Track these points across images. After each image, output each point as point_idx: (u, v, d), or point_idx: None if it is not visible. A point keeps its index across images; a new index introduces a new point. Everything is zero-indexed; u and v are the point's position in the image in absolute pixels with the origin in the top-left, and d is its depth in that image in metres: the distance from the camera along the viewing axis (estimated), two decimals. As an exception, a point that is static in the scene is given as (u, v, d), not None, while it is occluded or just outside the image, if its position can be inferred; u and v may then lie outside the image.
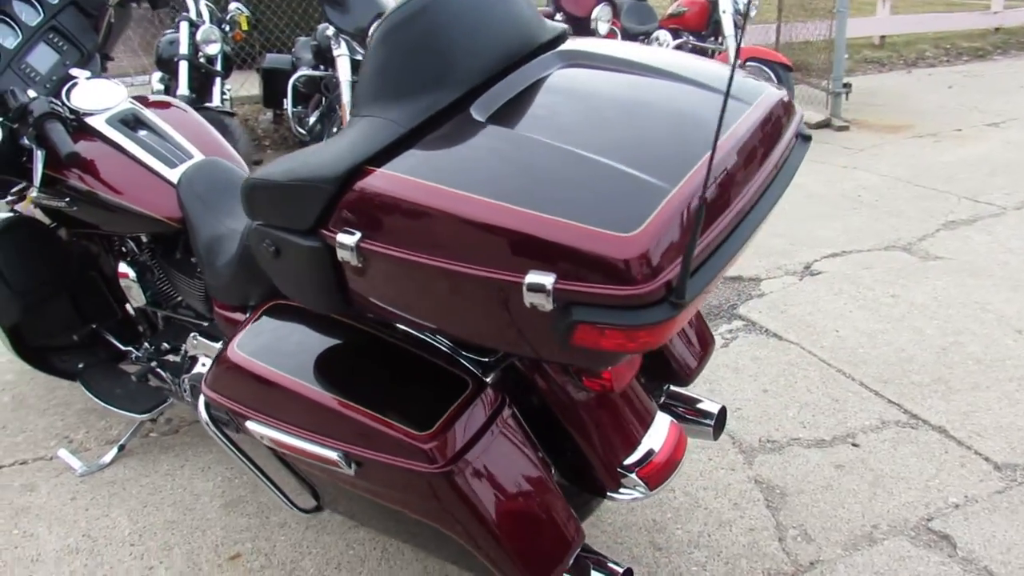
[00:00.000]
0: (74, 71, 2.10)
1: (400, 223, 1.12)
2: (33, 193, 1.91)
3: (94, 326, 2.31)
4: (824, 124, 5.71)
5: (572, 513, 1.41)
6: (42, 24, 2.09)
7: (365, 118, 1.21)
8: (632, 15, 5.95)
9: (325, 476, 1.46)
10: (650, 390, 1.79)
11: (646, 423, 1.57)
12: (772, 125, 1.25)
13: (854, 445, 2.20)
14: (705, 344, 1.81)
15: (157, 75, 4.41)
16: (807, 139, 1.35)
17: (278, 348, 1.46)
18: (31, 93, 1.90)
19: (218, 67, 4.32)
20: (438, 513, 1.33)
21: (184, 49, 4.13)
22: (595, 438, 1.51)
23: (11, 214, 2.18)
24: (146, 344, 2.23)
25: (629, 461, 1.52)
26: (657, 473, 1.51)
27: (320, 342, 1.44)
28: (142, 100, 2.16)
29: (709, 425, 1.74)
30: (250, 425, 1.45)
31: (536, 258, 1.03)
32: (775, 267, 3.38)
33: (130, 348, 2.28)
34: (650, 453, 1.54)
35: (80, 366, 2.31)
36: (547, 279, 1.01)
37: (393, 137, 1.16)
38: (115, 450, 2.26)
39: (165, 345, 2.16)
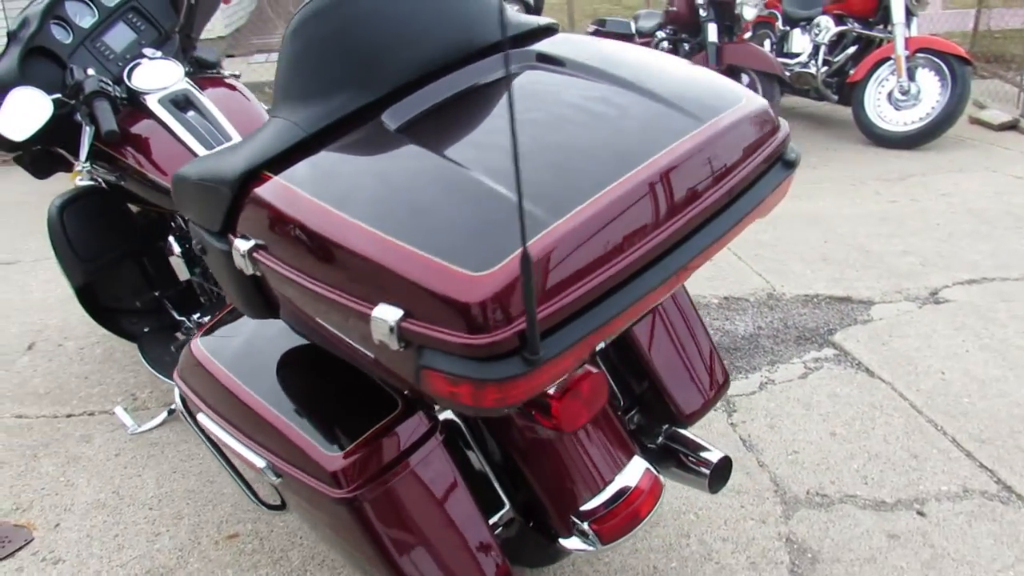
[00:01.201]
0: (147, 51, 2.20)
1: (283, 236, 1.04)
2: (78, 166, 2.01)
3: (157, 293, 2.43)
4: (1010, 126, 4.99)
5: (499, 560, 1.29)
6: (120, 5, 2.20)
7: (273, 119, 1.14)
8: (795, -1, 5.49)
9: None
10: (648, 428, 1.63)
11: (616, 466, 1.41)
12: (728, 148, 1.05)
13: (920, 513, 1.89)
14: (714, 383, 1.60)
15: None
16: (789, 164, 1.13)
17: (231, 348, 1.44)
18: (90, 71, 2.00)
19: None
20: (347, 538, 1.27)
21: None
22: (549, 478, 1.38)
23: (89, 183, 2.32)
24: (196, 316, 2.32)
25: (586, 508, 1.37)
26: (611, 528, 1.36)
27: (269, 347, 1.41)
28: (205, 80, 2.23)
29: (704, 476, 1.54)
30: (200, 418, 1.45)
31: (388, 291, 0.92)
32: (895, 290, 2.98)
33: (183, 319, 2.39)
34: (610, 503, 1.37)
35: (144, 330, 2.45)
36: (393, 315, 0.90)
37: (291, 142, 1.08)
38: (164, 413, 2.38)
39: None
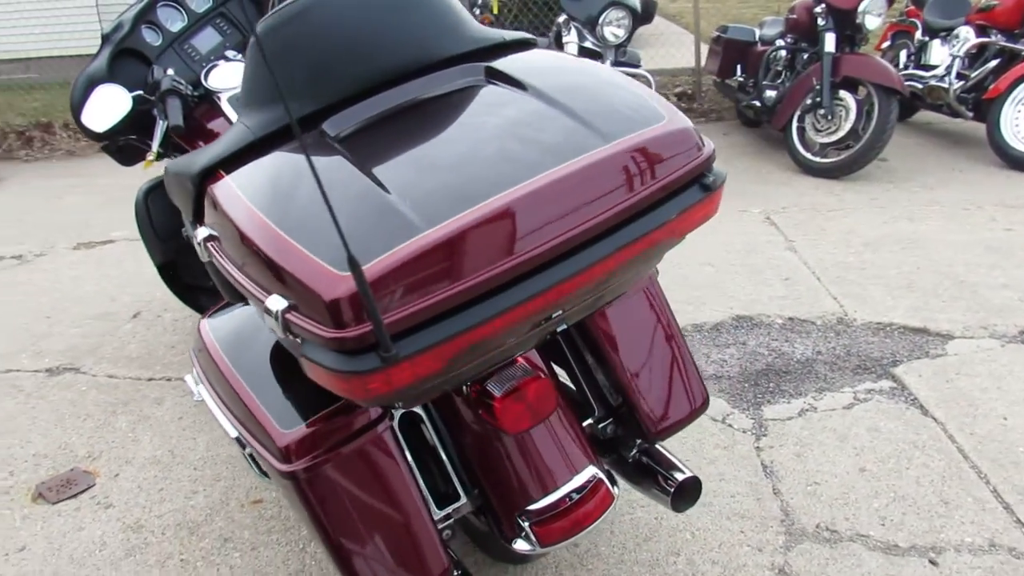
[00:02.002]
0: (229, 53, 2.41)
1: (221, 228, 1.16)
2: (149, 156, 2.24)
3: (229, 275, 2.66)
4: None
5: (439, 552, 1.35)
6: (209, 11, 2.43)
7: (236, 123, 1.26)
8: (937, 7, 5.16)
9: None
10: (624, 440, 1.64)
11: (567, 473, 1.43)
12: (629, 167, 1.06)
13: (932, 563, 1.77)
14: (687, 403, 1.59)
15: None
16: (706, 188, 1.12)
17: (227, 329, 1.58)
18: (169, 71, 2.23)
19: None
20: (296, 510, 1.37)
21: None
22: (498, 476, 1.43)
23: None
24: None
25: (530, 509, 1.41)
26: (551, 531, 1.39)
27: (256, 330, 1.53)
28: None
29: (667, 494, 1.53)
30: (201, 390, 1.60)
31: (279, 283, 1.01)
32: (980, 325, 2.77)
33: (249, 299, 2.59)
34: (553, 507, 1.40)
35: None
36: (279, 305, 0.99)
37: (242, 144, 1.20)
38: (226, 385, 2.60)
39: None
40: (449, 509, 1.47)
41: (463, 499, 1.48)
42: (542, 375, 1.33)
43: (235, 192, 1.13)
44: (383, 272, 0.93)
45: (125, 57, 2.25)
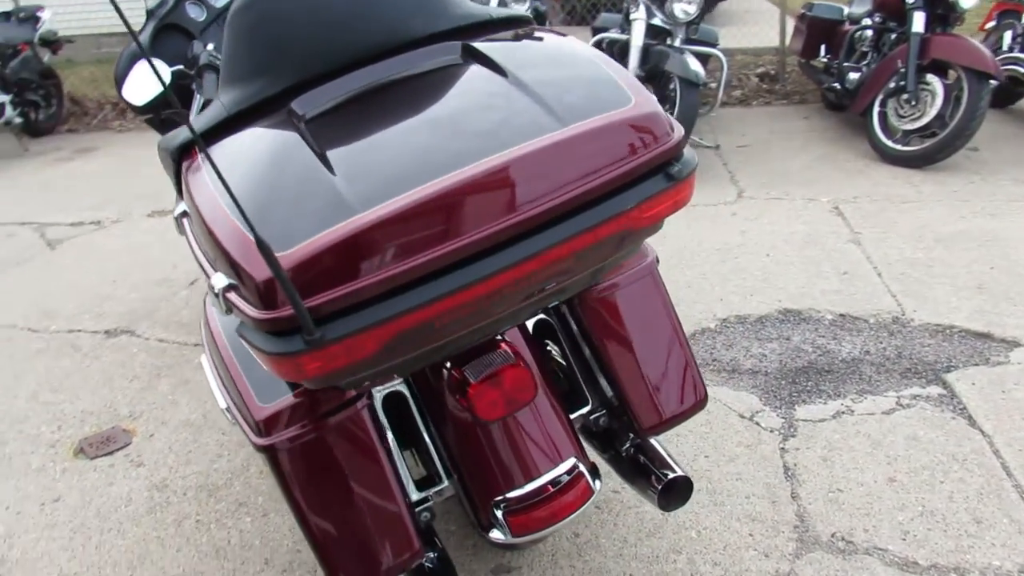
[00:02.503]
0: None
1: (188, 207, 1.17)
2: (186, 130, 2.30)
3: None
4: None
5: (409, 534, 1.35)
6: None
7: (215, 100, 1.27)
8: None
9: None
10: (619, 433, 1.59)
11: (547, 463, 1.40)
12: (583, 153, 1.01)
13: (952, 584, 1.66)
14: (682, 400, 1.52)
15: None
16: (671, 178, 1.06)
17: None
18: (209, 47, 2.28)
19: None
20: (273, 482, 1.39)
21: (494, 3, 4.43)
22: (474, 463, 1.41)
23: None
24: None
25: (506, 497, 1.38)
26: (523, 522, 1.36)
27: None
28: None
29: (654, 492, 1.48)
30: (202, 359, 1.65)
31: (223, 261, 1.02)
32: (1053, 332, 2.56)
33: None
34: (528, 498, 1.38)
35: None
36: (220, 283, 1.00)
37: (215, 120, 1.21)
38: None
39: None
40: (429, 492, 1.46)
41: (444, 483, 1.47)
42: (522, 363, 1.30)
43: (199, 169, 1.14)
44: (312, 254, 0.93)
45: (170, 32, 2.32)
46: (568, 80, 1.11)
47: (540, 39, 1.28)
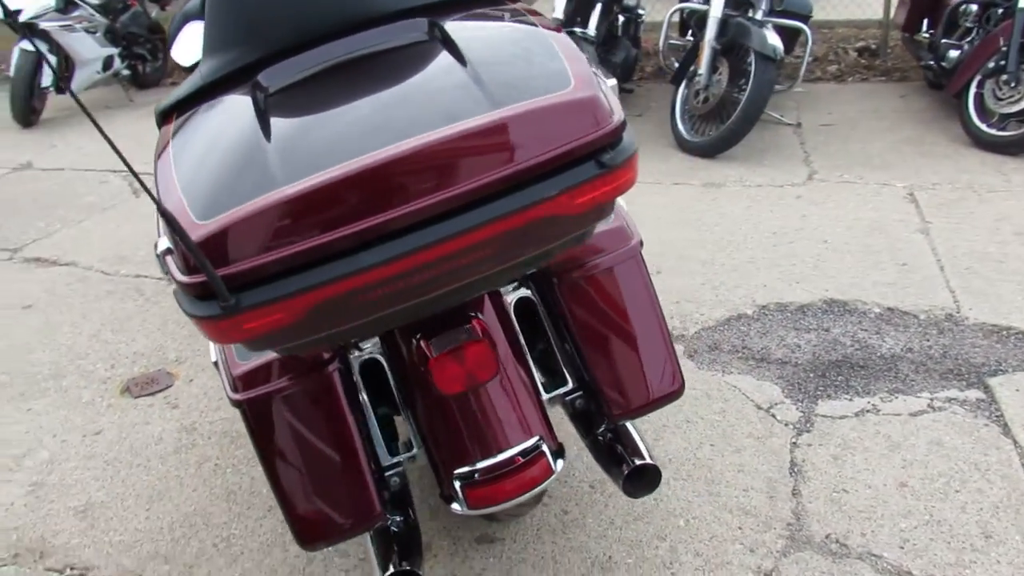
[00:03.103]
0: None
1: (152, 168, 1.23)
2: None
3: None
4: None
5: (371, 496, 1.39)
6: None
7: (197, 69, 1.31)
8: None
9: None
10: (596, 415, 1.58)
11: (508, 439, 1.41)
12: (510, 136, 1.00)
13: (942, 599, 1.58)
14: (657, 388, 1.50)
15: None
16: (603, 166, 1.03)
17: None
18: None
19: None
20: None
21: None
22: (437, 436, 1.43)
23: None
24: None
25: (463, 470, 1.41)
26: (478, 495, 1.39)
27: None
28: None
29: (620, 478, 1.48)
30: None
31: (164, 226, 1.07)
32: (1123, 342, 2.36)
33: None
34: (487, 472, 1.40)
35: None
36: (161, 247, 1.05)
37: (191, 89, 1.26)
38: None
39: None
40: (401, 457, 1.51)
41: (415, 450, 1.51)
42: (486, 341, 1.31)
43: (166, 140, 1.19)
44: (230, 225, 0.97)
45: None
46: (516, 61, 1.11)
47: (506, 19, 1.27)
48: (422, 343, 1.34)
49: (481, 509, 1.39)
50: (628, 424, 1.58)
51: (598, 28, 4.40)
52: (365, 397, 1.48)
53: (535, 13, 1.31)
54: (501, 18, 1.28)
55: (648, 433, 2.10)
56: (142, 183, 0.92)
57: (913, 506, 1.81)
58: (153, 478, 2.09)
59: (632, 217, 1.64)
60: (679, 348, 2.47)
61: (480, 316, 1.39)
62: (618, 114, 1.07)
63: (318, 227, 0.97)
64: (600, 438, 1.57)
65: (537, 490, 1.40)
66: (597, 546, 1.77)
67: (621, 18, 4.81)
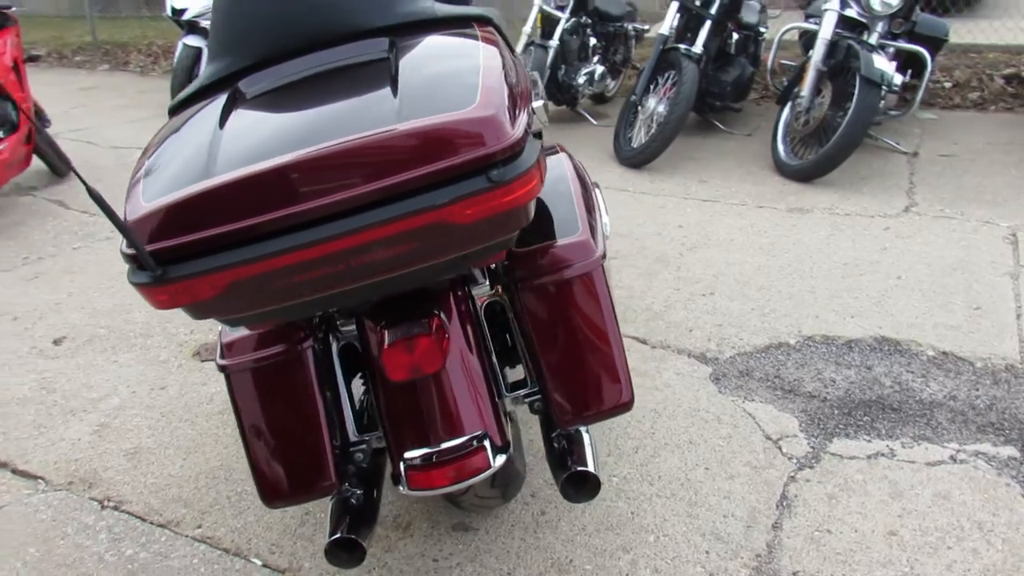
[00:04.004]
0: None
1: None
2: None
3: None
4: None
5: (327, 469, 1.52)
6: None
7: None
8: None
9: None
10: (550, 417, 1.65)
11: (451, 432, 1.50)
12: (407, 148, 1.10)
13: (893, 653, 1.52)
14: (604, 399, 1.54)
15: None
16: (493, 183, 1.10)
17: None
18: None
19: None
20: None
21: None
22: (390, 420, 1.53)
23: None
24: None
25: (410, 455, 1.51)
26: (417, 480, 1.48)
27: None
28: None
29: (559, 480, 1.53)
30: None
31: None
32: None
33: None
34: (427, 457, 1.50)
35: None
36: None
37: (192, 90, 1.44)
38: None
39: None
40: (367, 436, 1.63)
41: (378, 431, 1.62)
42: (436, 336, 1.42)
43: (157, 134, 1.38)
44: (162, 207, 1.12)
45: None
46: (438, 80, 1.20)
47: (455, 40, 1.36)
48: (380, 331, 1.47)
49: (419, 492, 1.48)
50: (584, 432, 1.63)
51: (706, 45, 4.36)
52: (341, 377, 1.62)
53: (490, 36, 1.39)
54: (450, 39, 1.37)
55: (646, 449, 2.12)
56: (75, 172, 1.09)
57: (896, 556, 1.74)
58: (195, 433, 2.34)
59: (606, 230, 1.69)
60: (708, 371, 2.46)
61: (439, 313, 1.49)
62: (515, 135, 1.14)
63: (235, 215, 1.11)
64: (554, 442, 1.63)
65: (472, 481, 1.48)
66: (563, 549, 1.83)
67: (735, 35, 4.74)
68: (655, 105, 4.37)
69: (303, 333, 1.53)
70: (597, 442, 2.03)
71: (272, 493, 1.54)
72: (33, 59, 4.75)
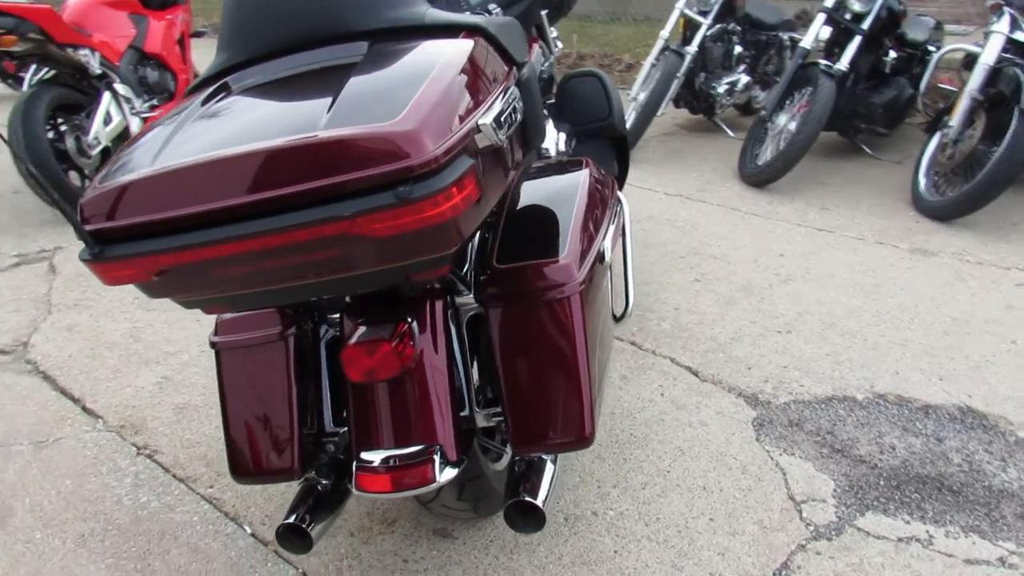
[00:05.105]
0: (491, 6, 2.68)
1: None
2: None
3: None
4: None
5: (290, 454, 1.56)
6: None
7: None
8: None
9: None
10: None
11: (402, 439, 1.49)
12: (326, 156, 1.09)
13: None
14: (560, 431, 1.46)
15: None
16: (400, 200, 1.07)
17: None
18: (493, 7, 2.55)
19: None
20: None
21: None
22: (352, 419, 1.54)
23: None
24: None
25: (363, 456, 1.52)
26: (363, 481, 1.47)
27: None
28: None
29: (506, 504, 1.49)
30: None
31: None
32: None
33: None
34: (379, 462, 1.49)
35: None
36: None
37: (198, 82, 1.50)
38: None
39: None
40: (341, 429, 1.66)
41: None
42: (396, 344, 1.41)
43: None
44: (106, 190, 1.19)
45: None
46: (379, 89, 1.19)
47: (431, 47, 1.33)
48: (351, 328, 1.48)
49: (364, 494, 1.49)
50: (548, 461, 1.57)
51: (854, 63, 4.03)
52: (325, 367, 1.65)
53: (464, 48, 1.35)
54: (423, 48, 1.34)
55: (655, 487, 2.01)
56: (14, 152, 1.17)
57: (889, 658, 1.54)
58: (240, 398, 2.47)
59: (606, 255, 1.60)
60: (752, 414, 2.28)
61: (410, 320, 1.48)
62: (433, 152, 1.09)
63: (162, 205, 1.15)
64: (515, 465, 1.58)
65: (413, 492, 1.47)
66: (531, 575, 1.77)
67: (894, 53, 4.34)
68: (786, 122, 4.10)
69: (289, 321, 1.58)
70: (561, 475, 1.97)
71: (239, 468, 1.59)
72: (199, 34, 5.18)
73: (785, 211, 3.82)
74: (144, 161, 1.22)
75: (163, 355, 2.74)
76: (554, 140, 2.65)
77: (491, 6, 2.62)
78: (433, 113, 1.13)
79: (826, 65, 3.96)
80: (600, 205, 1.76)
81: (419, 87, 1.18)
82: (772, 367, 2.52)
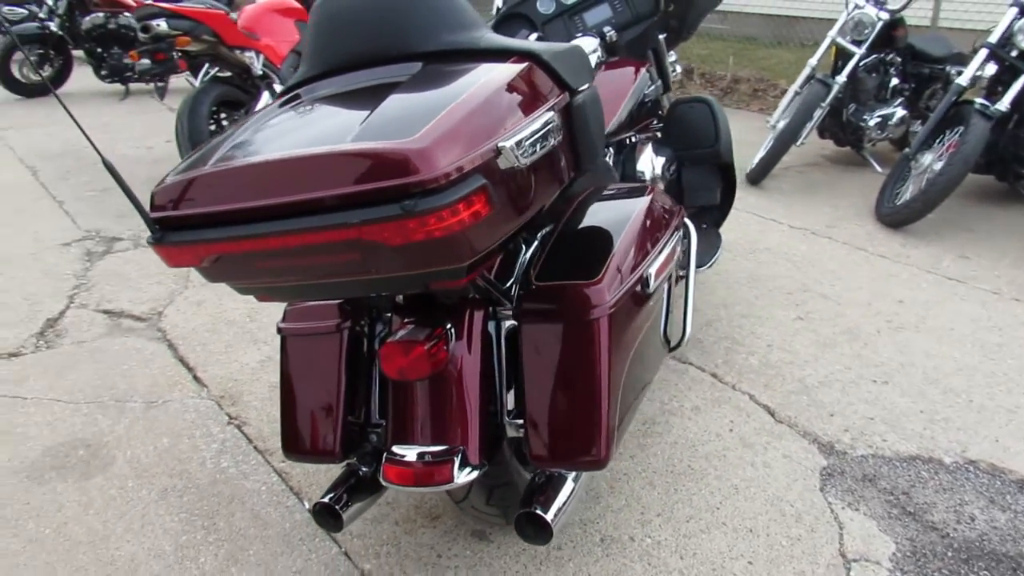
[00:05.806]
0: (606, 29, 2.72)
1: None
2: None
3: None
4: None
5: (334, 441, 1.67)
6: None
7: (297, 74, 1.70)
8: None
9: None
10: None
11: (428, 438, 1.57)
12: (346, 167, 1.18)
13: None
14: (577, 452, 1.49)
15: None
16: (405, 212, 1.14)
17: None
18: (531, 38, 2.66)
19: None
20: None
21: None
22: (388, 411, 1.64)
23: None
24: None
25: (397, 449, 1.61)
26: (389, 473, 1.56)
27: None
28: (612, 63, 2.65)
29: (518, 512, 1.53)
30: None
31: None
32: None
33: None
34: (404, 456, 1.58)
35: None
36: None
37: (283, 89, 1.65)
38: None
39: None
40: (383, 421, 1.76)
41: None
42: (431, 347, 1.50)
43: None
44: (172, 183, 1.34)
45: (514, 20, 2.76)
46: (411, 107, 1.27)
47: (476, 70, 1.40)
48: (396, 327, 1.59)
49: (388, 485, 1.58)
50: (569, 479, 1.59)
51: (1017, 103, 3.72)
52: (376, 363, 1.77)
53: (507, 73, 1.41)
54: (468, 70, 1.41)
55: (699, 522, 1.97)
56: (95, 146, 1.36)
57: None
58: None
59: (630, 281, 1.60)
60: (823, 463, 2.18)
61: (449, 326, 1.56)
62: (442, 169, 1.16)
63: (213, 200, 1.30)
64: (537, 476, 1.62)
65: (430, 490, 1.54)
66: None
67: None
68: (931, 162, 3.84)
69: (346, 315, 1.70)
70: (607, 496, 1.97)
71: (289, 445, 1.73)
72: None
73: (917, 255, 3.58)
74: (209, 160, 1.37)
75: (271, 336, 2.98)
76: (650, 164, 2.65)
77: (606, 29, 2.67)
78: (450, 133, 1.20)
79: (982, 105, 3.68)
80: (655, 232, 1.76)
81: (445, 108, 1.25)
82: (857, 417, 2.39)
